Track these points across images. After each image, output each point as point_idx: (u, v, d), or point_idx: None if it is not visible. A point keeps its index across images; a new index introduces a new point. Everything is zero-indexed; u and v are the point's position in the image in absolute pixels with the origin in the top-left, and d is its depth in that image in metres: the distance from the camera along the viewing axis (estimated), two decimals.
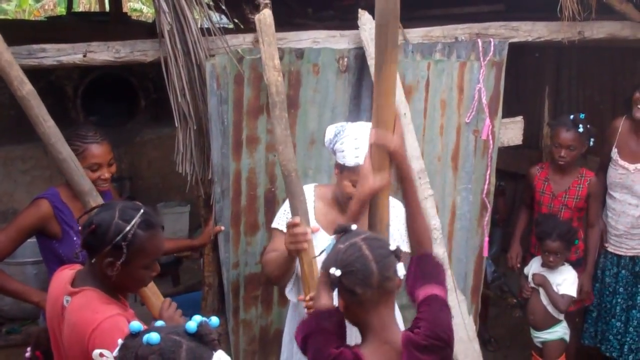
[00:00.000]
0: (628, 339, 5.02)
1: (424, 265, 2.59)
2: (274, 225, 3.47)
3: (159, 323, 1.96)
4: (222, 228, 3.93)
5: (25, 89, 2.84)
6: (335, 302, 2.41)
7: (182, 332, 1.82)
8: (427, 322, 2.37)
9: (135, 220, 2.53)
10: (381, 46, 2.58)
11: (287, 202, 3.36)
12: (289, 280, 3.41)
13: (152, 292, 3.04)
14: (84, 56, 3.66)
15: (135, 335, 1.83)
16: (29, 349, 3.14)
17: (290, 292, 3.48)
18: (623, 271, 5.01)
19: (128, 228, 2.50)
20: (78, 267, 2.72)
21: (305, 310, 3.15)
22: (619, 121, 4.97)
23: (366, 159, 2.70)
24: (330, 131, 3.27)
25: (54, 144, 2.92)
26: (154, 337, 1.75)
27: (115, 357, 1.81)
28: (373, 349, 2.33)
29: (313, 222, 3.31)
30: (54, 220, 3.49)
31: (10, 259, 4.60)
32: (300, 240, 3.10)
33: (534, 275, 4.80)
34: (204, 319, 1.91)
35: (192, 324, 1.83)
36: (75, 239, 3.46)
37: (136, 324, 1.86)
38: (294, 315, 3.52)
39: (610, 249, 5.04)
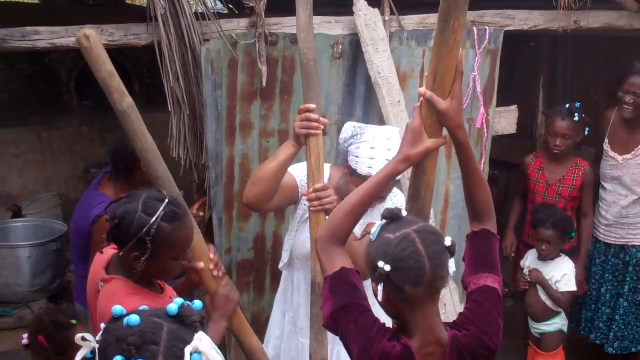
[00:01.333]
0: (614, 327, 5.03)
1: (478, 246, 2.42)
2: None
3: (198, 303, 1.93)
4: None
5: (127, 102, 2.66)
6: (371, 291, 2.22)
7: (164, 314, 1.79)
8: (476, 326, 2.21)
9: (159, 213, 2.44)
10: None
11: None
12: (271, 196, 3.18)
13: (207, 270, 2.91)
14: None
15: (117, 319, 1.81)
16: (25, 335, 3.14)
17: (284, 266, 3.51)
18: (613, 259, 5.02)
19: (152, 222, 2.42)
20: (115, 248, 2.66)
21: (307, 204, 3.09)
22: (611, 112, 4.97)
23: (417, 118, 2.38)
24: (347, 129, 3.25)
25: (152, 161, 2.75)
26: (134, 319, 1.72)
27: (97, 341, 1.80)
28: (418, 346, 2.15)
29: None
30: None
31: (3, 242, 4.62)
32: (313, 126, 3.02)
33: (530, 271, 4.78)
34: (195, 307, 1.90)
35: (174, 306, 1.79)
36: None
37: (118, 308, 1.82)
38: (287, 285, 3.52)
39: (600, 237, 5.05)
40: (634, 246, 4.93)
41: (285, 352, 3.59)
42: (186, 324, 1.80)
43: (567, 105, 4.85)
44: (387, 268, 2.09)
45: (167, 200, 2.50)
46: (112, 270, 2.58)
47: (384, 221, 2.22)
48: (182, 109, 3.79)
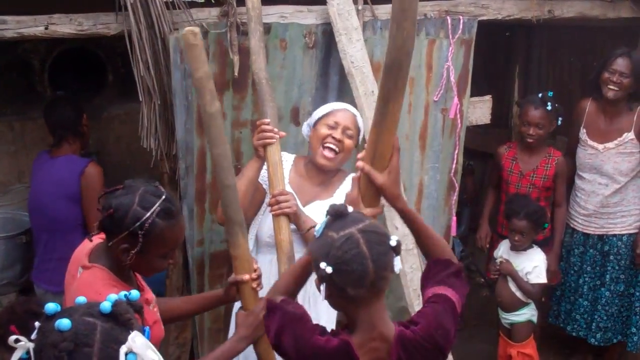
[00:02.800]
0: (596, 317, 5.05)
1: (440, 270, 2.38)
2: None
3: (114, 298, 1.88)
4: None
5: (216, 106, 2.64)
6: (314, 286, 2.24)
7: (97, 312, 1.74)
8: (427, 321, 2.21)
9: (155, 208, 2.41)
10: (390, 84, 2.38)
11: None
12: (246, 211, 3.24)
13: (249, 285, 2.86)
14: (46, 28, 3.59)
15: (51, 318, 1.75)
16: None
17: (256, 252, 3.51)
18: (591, 250, 5.04)
19: (147, 216, 2.40)
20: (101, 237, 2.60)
21: (269, 208, 3.27)
22: (586, 102, 4.99)
23: (355, 189, 2.51)
24: (303, 128, 3.62)
25: (225, 169, 2.71)
26: (64, 323, 1.66)
27: (33, 340, 1.75)
28: (361, 342, 2.16)
29: (287, 187, 3.40)
30: None
31: None
32: (267, 136, 3.26)
33: (500, 263, 4.80)
34: (122, 295, 1.84)
35: (107, 304, 1.74)
36: None
37: (51, 306, 1.76)
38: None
39: (578, 228, 5.06)
40: (614, 235, 4.96)
41: None
42: (120, 323, 1.75)
43: (540, 95, 4.87)
44: (329, 270, 2.08)
45: (164, 197, 2.47)
46: (94, 259, 2.54)
47: (328, 217, 2.20)
48: (153, 99, 3.74)
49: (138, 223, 2.39)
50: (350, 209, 2.23)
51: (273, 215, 3.27)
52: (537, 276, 4.65)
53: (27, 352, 1.72)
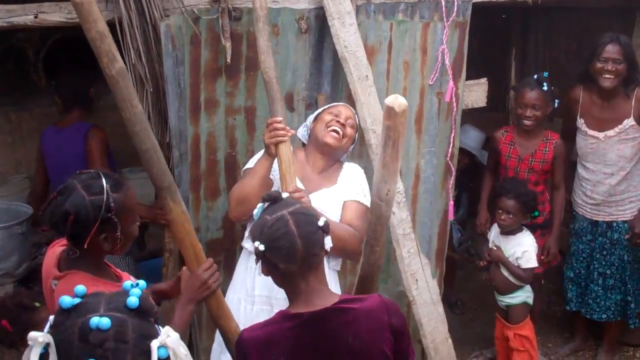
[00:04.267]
0: (612, 303, 5.05)
1: None
2: (247, 166, 3.58)
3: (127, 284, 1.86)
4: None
5: (116, 67, 2.53)
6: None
7: (123, 307, 1.73)
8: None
9: (105, 187, 2.45)
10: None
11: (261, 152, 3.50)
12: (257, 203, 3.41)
13: (194, 245, 2.93)
14: (35, 17, 3.57)
15: (67, 312, 1.73)
16: None
17: (246, 240, 3.54)
18: (600, 238, 5.01)
19: (105, 198, 2.43)
20: (65, 242, 2.62)
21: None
22: (577, 91, 4.92)
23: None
24: (300, 130, 3.76)
25: (138, 132, 2.66)
26: (104, 322, 1.65)
27: (49, 333, 1.71)
28: (296, 308, 2.39)
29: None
30: None
31: None
32: (280, 134, 3.30)
33: (490, 250, 4.80)
34: (140, 288, 1.82)
35: (133, 299, 1.73)
36: None
37: (67, 299, 1.74)
38: (246, 266, 3.51)
39: (587, 215, 5.03)
40: (624, 221, 4.92)
41: None
42: (146, 316, 1.74)
43: (535, 76, 4.85)
44: (262, 247, 2.33)
45: (100, 174, 2.50)
46: (64, 267, 2.54)
47: (266, 204, 2.47)
48: (145, 87, 3.72)
49: (103, 209, 2.42)
50: (284, 194, 2.54)
51: None
52: (527, 261, 4.64)
53: (45, 347, 1.69)
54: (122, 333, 1.68)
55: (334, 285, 3.36)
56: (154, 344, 1.69)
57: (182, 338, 3.31)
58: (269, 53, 3.53)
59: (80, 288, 1.82)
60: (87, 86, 4.84)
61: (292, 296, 2.42)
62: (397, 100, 2.52)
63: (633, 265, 4.98)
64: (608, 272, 5.01)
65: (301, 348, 2.34)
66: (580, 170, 5.02)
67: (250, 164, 3.55)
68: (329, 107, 3.65)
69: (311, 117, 3.71)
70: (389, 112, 2.52)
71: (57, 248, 2.65)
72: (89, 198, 2.42)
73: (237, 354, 2.44)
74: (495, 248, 4.78)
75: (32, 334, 1.68)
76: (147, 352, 1.68)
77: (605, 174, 4.88)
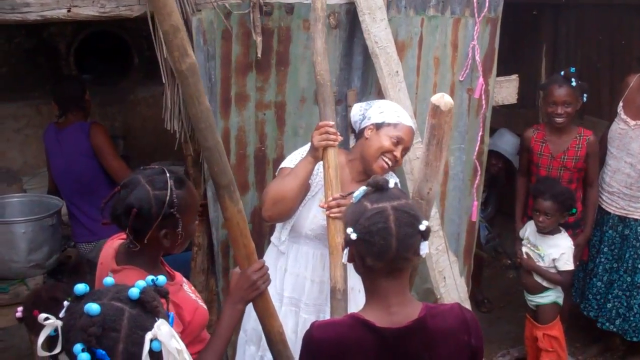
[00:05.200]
0: (616, 303, 4.99)
1: None
2: (284, 164, 3.51)
3: (109, 281, 1.90)
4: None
5: (187, 62, 2.49)
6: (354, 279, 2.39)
7: (125, 297, 1.77)
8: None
9: (170, 183, 2.47)
10: None
11: (304, 147, 3.50)
12: (294, 210, 3.43)
13: (247, 245, 2.87)
14: (68, 11, 3.58)
15: (80, 298, 1.79)
16: (19, 308, 3.12)
17: (281, 243, 3.55)
18: (610, 231, 4.98)
19: (169, 193, 2.45)
20: (124, 237, 2.63)
21: (326, 212, 3.22)
22: (632, 77, 4.91)
23: None
24: (356, 109, 3.57)
25: (202, 130, 2.62)
26: (94, 308, 1.69)
27: (61, 318, 1.77)
28: (371, 315, 2.21)
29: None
30: None
31: None
32: (332, 138, 3.26)
33: (523, 260, 4.76)
34: (149, 281, 1.88)
35: (135, 290, 1.78)
36: None
37: (81, 286, 1.80)
38: (276, 266, 3.54)
39: (603, 205, 5.00)
40: (635, 220, 4.88)
41: None
42: (147, 309, 1.77)
43: (562, 72, 4.81)
44: (354, 236, 2.15)
45: (164, 170, 2.52)
46: (121, 261, 2.57)
47: (368, 188, 2.25)
48: (176, 81, 3.73)
49: (167, 204, 2.44)
50: (391, 184, 2.26)
51: (330, 217, 3.20)
52: (565, 263, 4.60)
53: (55, 330, 1.75)
54: (115, 322, 1.72)
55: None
56: (147, 336, 1.72)
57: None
58: (326, 56, 3.50)
59: (109, 279, 1.88)
60: (80, 93, 4.97)
61: (369, 294, 2.26)
62: (443, 99, 2.50)
63: None
64: (615, 266, 4.97)
65: None
66: (607, 154, 5.00)
67: (289, 162, 3.49)
68: (394, 126, 3.38)
69: (379, 117, 3.43)
70: (435, 111, 2.51)
71: (116, 241, 2.69)
72: (153, 192, 2.44)
73: (304, 352, 2.27)
74: (526, 256, 4.73)
75: (42, 316, 1.74)
76: (141, 344, 1.71)
77: (626, 163, 4.85)
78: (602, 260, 5.02)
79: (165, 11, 2.46)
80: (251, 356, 3.60)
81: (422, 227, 2.17)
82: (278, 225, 3.61)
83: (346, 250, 2.24)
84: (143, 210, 2.43)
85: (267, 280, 2.83)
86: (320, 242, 3.42)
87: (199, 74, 2.62)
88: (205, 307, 2.76)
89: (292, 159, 3.49)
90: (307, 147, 3.44)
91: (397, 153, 3.37)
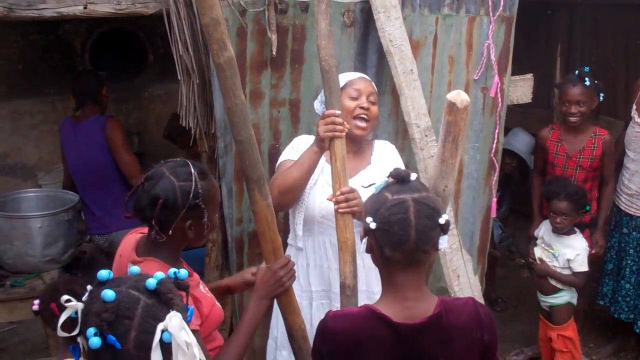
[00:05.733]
0: None
1: None
2: (284, 158, 3.51)
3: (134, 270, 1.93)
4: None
5: (225, 55, 2.51)
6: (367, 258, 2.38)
7: (143, 287, 1.81)
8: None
9: (194, 174, 2.50)
10: None
11: (295, 139, 3.55)
12: (299, 199, 3.42)
13: (274, 239, 2.89)
14: (85, 8, 3.61)
15: (103, 284, 1.82)
16: (36, 301, 3.15)
17: (298, 239, 3.55)
18: (634, 233, 4.96)
19: (194, 185, 2.48)
20: (145, 230, 2.66)
21: (335, 207, 3.17)
22: None
23: None
24: (316, 104, 3.62)
25: (236, 123, 2.67)
26: (109, 294, 1.73)
27: (83, 302, 1.80)
28: (386, 306, 2.22)
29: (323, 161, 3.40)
30: None
31: (14, 212, 4.64)
32: (339, 129, 3.16)
33: (536, 265, 4.76)
34: (171, 274, 1.91)
35: (152, 280, 1.81)
36: None
37: (104, 273, 1.84)
38: (297, 264, 3.51)
39: (622, 207, 4.98)
40: None
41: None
42: (162, 300, 1.80)
43: (577, 72, 4.79)
44: (373, 226, 2.18)
45: (188, 162, 2.55)
46: (142, 252, 2.59)
47: (390, 179, 2.28)
48: (192, 78, 3.76)
49: (192, 195, 2.46)
50: (413, 176, 2.28)
51: (339, 213, 3.16)
52: (579, 264, 4.60)
53: (76, 313, 1.79)
54: (129, 309, 1.75)
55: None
56: (159, 327, 1.75)
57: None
58: (330, 39, 3.32)
59: (135, 268, 1.92)
60: (98, 87, 5.08)
61: (385, 286, 2.28)
62: (459, 96, 2.50)
63: None
64: None
65: None
66: (625, 157, 4.97)
67: (289, 155, 3.49)
68: (345, 87, 3.42)
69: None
70: (451, 108, 2.51)
71: (136, 234, 2.71)
72: (179, 184, 2.46)
73: (319, 341, 2.28)
74: (539, 262, 4.73)
75: (64, 297, 1.79)
76: (152, 333, 1.74)
77: None
78: (629, 262, 4.99)
79: (206, 4, 2.49)
80: None
81: (441, 221, 2.19)
82: (291, 225, 3.61)
83: (365, 240, 2.26)
84: (169, 201, 2.45)
85: (293, 277, 2.85)
86: (334, 228, 3.33)
87: (236, 67, 2.66)
88: (220, 307, 2.78)
89: (293, 151, 3.49)
90: (299, 139, 3.51)
91: (364, 103, 3.39)
